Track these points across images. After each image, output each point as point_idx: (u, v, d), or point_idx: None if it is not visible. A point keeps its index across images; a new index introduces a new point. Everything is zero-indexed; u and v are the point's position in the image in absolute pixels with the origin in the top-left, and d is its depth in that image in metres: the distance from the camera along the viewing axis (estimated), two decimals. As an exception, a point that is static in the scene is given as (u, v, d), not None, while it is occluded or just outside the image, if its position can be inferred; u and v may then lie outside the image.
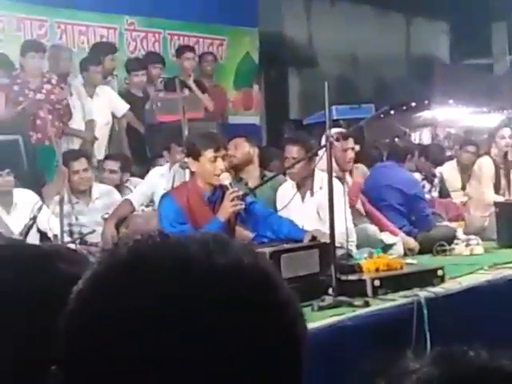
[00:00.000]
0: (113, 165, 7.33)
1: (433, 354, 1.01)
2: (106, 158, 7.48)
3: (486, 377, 0.97)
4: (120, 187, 7.25)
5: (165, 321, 0.94)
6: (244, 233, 5.48)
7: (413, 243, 6.56)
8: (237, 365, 0.95)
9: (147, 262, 0.98)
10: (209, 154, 5.17)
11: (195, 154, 5.22)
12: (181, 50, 9.46)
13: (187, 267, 0.98)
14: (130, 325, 0.94)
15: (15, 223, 5.91)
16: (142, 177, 7.60)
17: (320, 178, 5.95)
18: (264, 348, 0.96)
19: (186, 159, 5.47)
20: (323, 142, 5.44)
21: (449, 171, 9.38)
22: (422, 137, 13.03)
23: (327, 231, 4.78)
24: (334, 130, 5.11)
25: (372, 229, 6.42)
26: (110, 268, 1.00)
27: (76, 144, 7.98)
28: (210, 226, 4.98)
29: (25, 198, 6.25)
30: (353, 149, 6.69)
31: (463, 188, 8.84)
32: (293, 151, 6.18)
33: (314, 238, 4.96)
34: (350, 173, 6.91)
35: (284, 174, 6.42)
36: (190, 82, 8.91)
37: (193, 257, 0.99)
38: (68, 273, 1.25)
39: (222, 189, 5.26)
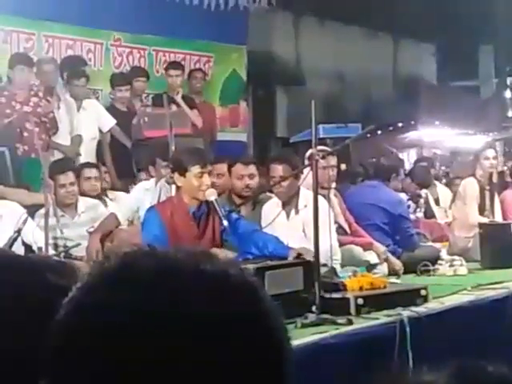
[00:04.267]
0: (90, 172, 7.27)
1: (451, 367, 1.00)
2: (82, 166, 7.41)
3: None
4: (100, 196, 7.20)
5: (154, 326, 0.95)
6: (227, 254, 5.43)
7: (398, 264, 6.57)
8: (219, 370, 0.95)
9: (136, 270, 0.99)
10: (195, 169, 5.19)
11: (181, 170, 5.24)
12: (169, 67, 9.49)
13: (175, 274, 0.99)
14: (121, 332, 0.95)
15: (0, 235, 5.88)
16: (127, 191, 7.59)
17: (305, 195, 5.97)
18: (247, 355, 0.97)
19: (172, 174, 5.47)
20: (307, 159, 5.46)
21: (442, 190, 9.46)
22: (408, 157, 13.10)
23: (312, 249, 4.79)
24: (318, 148, 5.11)
25: (357, 249, 6.43)
26: (102, 277, 1.01)
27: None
28: None
29: (10, 210, 6.21)
30: (336, 167, 6.71)
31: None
32: (278, 170, 6.20)
33: (299, 256, 4.96)
34: (338, 191, 6.94)
35: (270, 192, 6.44)
36: (178, 99, 8.93)
37: (180, 264, 1.00)
38: (56, 284, 1.25)
39: (208, 204, 5.27)
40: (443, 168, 12.41)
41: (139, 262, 1.01)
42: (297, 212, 6.14)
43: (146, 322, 0.95)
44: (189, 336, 0.95)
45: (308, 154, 6.06)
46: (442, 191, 9.57)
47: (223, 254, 5.20)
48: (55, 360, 0.99)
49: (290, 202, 6.15)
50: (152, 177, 6.95)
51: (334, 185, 6.73)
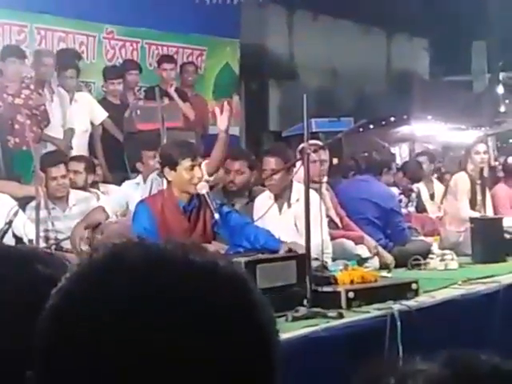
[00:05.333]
0: (77, 165, 7.24)
1: (443, 356, 1.00)
2: (70, 159, 7.39)
3: (500, 376, 0.97)
4: (85, 189, 7.16)
5: (140, 316, 0.95)
6: (219, 247, 5.41)
7: (389, 258, 6.57)
8: (206, 358, 0.95)
9: (125, 259, 1.00)
10: (186, 163, 5.17)
11: (171, 164, 5.21)
12: (161, 60, 9.48)
13: (164, 263, 0.99)
14: (109, 319, 0.95)
15: (-10, 227, 5.87)
16: (119, 184, 7.57)
17: (297, 189, 5.96)
18: (235, 345, 0.97)
19: (161, 169, 5.45)
20: (298, 153, 5.45)
21: (438, 186, 9.50)
22: (400, 152, 13.10)
23: (303, 243, 4.79)
24: (310, 142, 5.10)
25: (348, 243, 6.43)
26: (90, 266, 1.01)
27: (51, 151, 7.91)
28: None
29: (1, 203, 6.20)
30: (324, 161, 6.68)
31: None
32: (271, 163, 6.19)
33: (290, 251, 4.95)
34: (330, 185, 6.94)
35: (263, 185, 6.43)
36: (172, 92, 8.91)
37: (170, 254, 1.01)
38: (45, 274, 1.25)
39: (199, 198, 5.26)
40: (435, 163, 12.42)
41: (128, 251, 1.01)
42: (289, 206, 6.14)
43: (134, 309, 0.95)
44: (177, 324, 0.95)
45: (300, 147, 6.05)
46: (438, 187, 9.60)
47: (215, 247, 5.20)
48: (43, 349, 0.99)
49: (282, 196, 6.14)
50: (140, 172, 6.92)
51: (325, 179, 6.72)
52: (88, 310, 0.96)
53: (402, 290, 4.97)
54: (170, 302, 0.96)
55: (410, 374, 0.99)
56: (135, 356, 0.94)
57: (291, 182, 6.10)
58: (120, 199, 6.56)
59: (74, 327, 0.97)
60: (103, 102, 8.76)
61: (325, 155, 6.75)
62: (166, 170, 5.27)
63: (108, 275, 0.98)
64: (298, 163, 5.70)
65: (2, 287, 1.26)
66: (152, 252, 1.01)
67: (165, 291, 0.96)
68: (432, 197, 9.49)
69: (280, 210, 6.14)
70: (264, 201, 6.17)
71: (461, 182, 7.84)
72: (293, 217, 6.04)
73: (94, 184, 7.51)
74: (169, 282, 0.97)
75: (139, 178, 6.77)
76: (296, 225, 5.98)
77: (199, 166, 5.24)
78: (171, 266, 0.99)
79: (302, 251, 4.82)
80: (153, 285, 0.97)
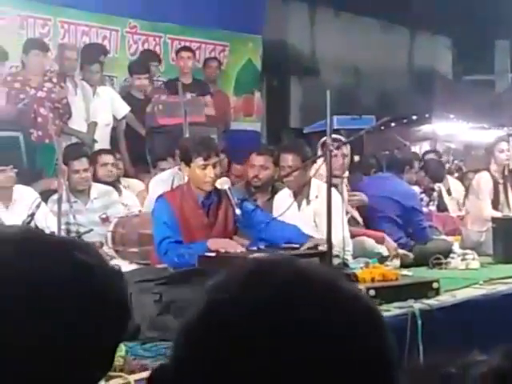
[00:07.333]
0: (107, 158, 7.27)
1: (502, 348, 1.04)
2: (100, 152, 7.40)
3: None
4: (115, 182, 7.19)
5: (297, 328, 1.01)
6: (242, 242, 5.40)
7: (409, 258, 6.51)
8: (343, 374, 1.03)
9: (276, 274, 1.05)
10: (199, 161, 5.12)
11: (187, 160, 5.18)
12: (179, 51, 9.49)
13: (312, 282, 1.05)
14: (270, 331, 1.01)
15: (13, 219, 5.90)
16: (141, 179, 7.59)
17: (316, 186, 5.94)
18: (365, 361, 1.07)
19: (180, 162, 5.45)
20: (319, 150, 5.42)
21: (453, 182, 9.48)
22: (421, 150, 13.06)
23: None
24: (332, 137, 5.07)
25: (369, 241, 6.41)
26: (240, 275, 1.06)
27: (74, 144, 7.94)
28: (197, 246, 4.95)
29: (24, 195, 6.23)
30: (348, 156, 6.65)
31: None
32: (288, 159, 6.16)
33: (315, 247, 4.94)
34: (349, 181, 6.92)
35: (282, 182, 6.42)
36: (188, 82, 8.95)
37: (318, 276, 1.07)
38: (84, 261, 1.25)
39: (218, 193, 5.23)
40: (456, 162, 12.37)
41: (278, 267, 1.05)
42: (308, 203, 6.12)
43: (282, 322, 1.00)
44: (330, 339, 1.01)
45: (321, 141, 6.03)
46: (453, 183, 9.57)
47: (238, 241, 5.20)
48: (209, 360, 1.02)
49: (301, 193, 6.12)
50: (170, 167, 6.93)
51: (346, 173, 6.68)
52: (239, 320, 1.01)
53: (423, 289, 4.94)
54: (318, 320, 1.00)
55: (472, 364, 1.00)
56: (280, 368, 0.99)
57: (310, 179, 6.09)
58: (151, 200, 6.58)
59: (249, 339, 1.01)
60: (127, 96, 8.77)
61: (346, 150, 6.71)
62: (183, 164, 5.27)
63: (258, 286, 1.03)
64: (320, 159, 5.68)
65: (38, 274, 1.26)
66: (301, 270, 1.06)
67: (308, 312, 1.00)
68: (448, 192, 9.46)
69: (299, 207, 6.13)
70: (283, 198, 6.16)
71: (483, 181, 7.79)
72: (312, 214, 6.02)
73: (117, 178, 7.53)
74: (312, 304, 1.01)
75: (166, 175, 6.78)
76: (315, 222, 5.97)
77: (213, 165, 5.18)
78: (319, 286, 1.04)
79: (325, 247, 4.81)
80: (298, 304, 1.01)
